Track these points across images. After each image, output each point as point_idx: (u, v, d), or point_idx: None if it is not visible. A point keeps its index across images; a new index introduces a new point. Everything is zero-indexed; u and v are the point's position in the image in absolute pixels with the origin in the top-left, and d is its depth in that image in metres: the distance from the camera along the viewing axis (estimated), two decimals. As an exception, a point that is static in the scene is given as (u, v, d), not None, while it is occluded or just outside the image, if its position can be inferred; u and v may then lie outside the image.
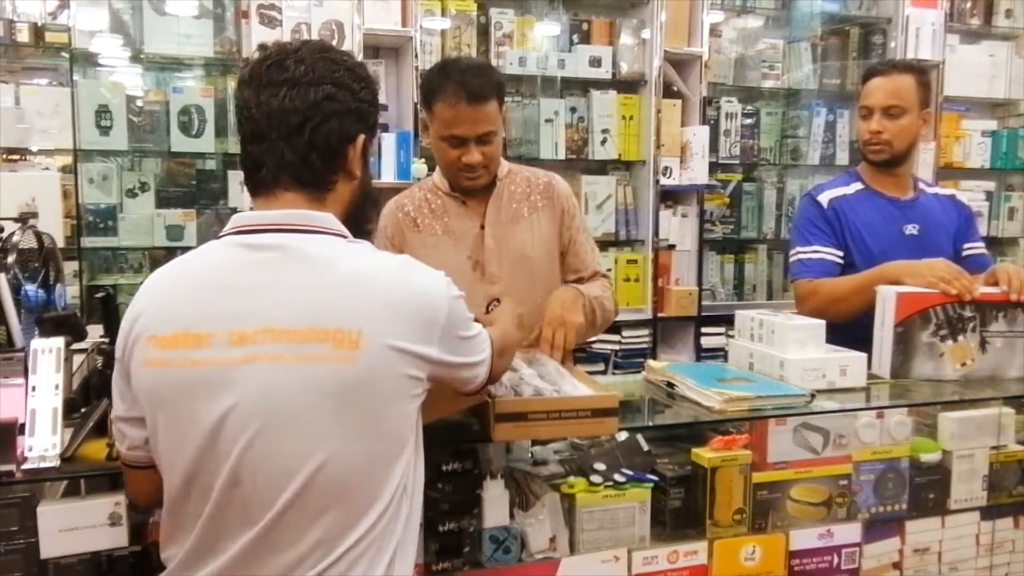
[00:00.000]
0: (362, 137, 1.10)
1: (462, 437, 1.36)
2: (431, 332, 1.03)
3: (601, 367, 3.44)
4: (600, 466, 1.46)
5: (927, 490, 1.65)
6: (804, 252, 2.13)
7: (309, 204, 1.07)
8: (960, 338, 1.79)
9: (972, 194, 3.95)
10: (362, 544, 1.00)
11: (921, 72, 2.18)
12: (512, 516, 1.37)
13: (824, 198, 2.15)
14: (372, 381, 0.98)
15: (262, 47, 1.10)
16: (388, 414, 1.01)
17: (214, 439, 0.99)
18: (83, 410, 1.34)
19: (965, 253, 2.15)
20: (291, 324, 0.98)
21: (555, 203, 1.91)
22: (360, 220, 1.15)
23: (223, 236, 1.06)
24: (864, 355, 1.72)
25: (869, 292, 1.84)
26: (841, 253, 2.10)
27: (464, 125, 1.71)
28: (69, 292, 2.26)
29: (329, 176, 1.08)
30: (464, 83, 1.68)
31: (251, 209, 1.09)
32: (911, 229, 2.12)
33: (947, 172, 3.89)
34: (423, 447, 1.10)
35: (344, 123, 1.07)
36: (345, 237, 1.06)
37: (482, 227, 1.85)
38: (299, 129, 1.04)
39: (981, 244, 2.23)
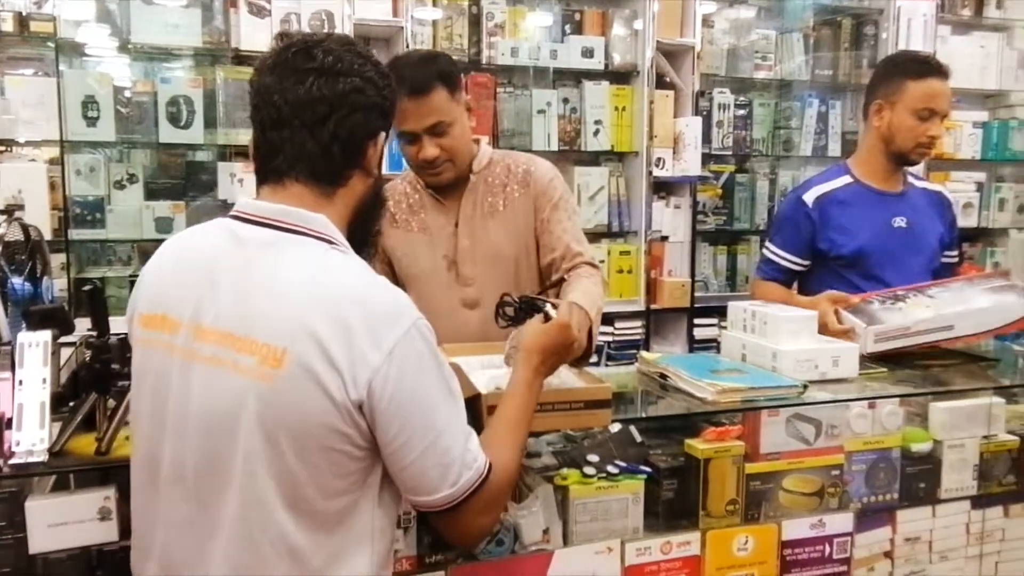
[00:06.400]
0: (382, 134, 1.10)
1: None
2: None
3: (594, 359, 3.43)
4: (593, 458, 1.46)
5: (918, 480, 1.65)
6: (767, 250, 2.23)
7: (316, 199, 1.05)
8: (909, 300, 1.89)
9: (963, 185, 3.96)
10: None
11: None
12: (505, 508, 1.37)
13: (810, 196, 2.16)
14: (292, 403, 0.95)
15: (284, 35, 1.10)
16: (308, 445, 0.96)
17: (166, 428, 1.02)
18: (71, 404, 1.33)
19: (943, 260, 2.21)
20: (237, 330, 0.98)
21: (531, 190, 1.77)
22: (368, 219, 1.13)
23: (226, 217, 1.07)
24: (856, 346, 1.73)
25: None
26: (804, 260, 2.16)
27: (410, 120, 1.63)
28: (56, 285, 2.25)
29: (345, 171, 1.07)
30: (403, 77, 1.55)
31: (255, 197, 1.08)
32: (899, 221, 2.13)
33: (938, 163, 3.89)
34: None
35: (368, 117, 1.06)
36: (332, 243, 1.04)
37: (456, 225, 1.77)
38: (324, 119, 1.03)
39: (955, 252, 2.30)
